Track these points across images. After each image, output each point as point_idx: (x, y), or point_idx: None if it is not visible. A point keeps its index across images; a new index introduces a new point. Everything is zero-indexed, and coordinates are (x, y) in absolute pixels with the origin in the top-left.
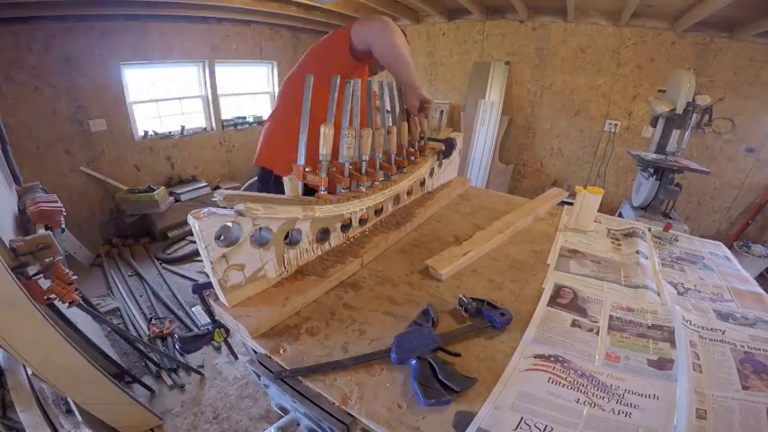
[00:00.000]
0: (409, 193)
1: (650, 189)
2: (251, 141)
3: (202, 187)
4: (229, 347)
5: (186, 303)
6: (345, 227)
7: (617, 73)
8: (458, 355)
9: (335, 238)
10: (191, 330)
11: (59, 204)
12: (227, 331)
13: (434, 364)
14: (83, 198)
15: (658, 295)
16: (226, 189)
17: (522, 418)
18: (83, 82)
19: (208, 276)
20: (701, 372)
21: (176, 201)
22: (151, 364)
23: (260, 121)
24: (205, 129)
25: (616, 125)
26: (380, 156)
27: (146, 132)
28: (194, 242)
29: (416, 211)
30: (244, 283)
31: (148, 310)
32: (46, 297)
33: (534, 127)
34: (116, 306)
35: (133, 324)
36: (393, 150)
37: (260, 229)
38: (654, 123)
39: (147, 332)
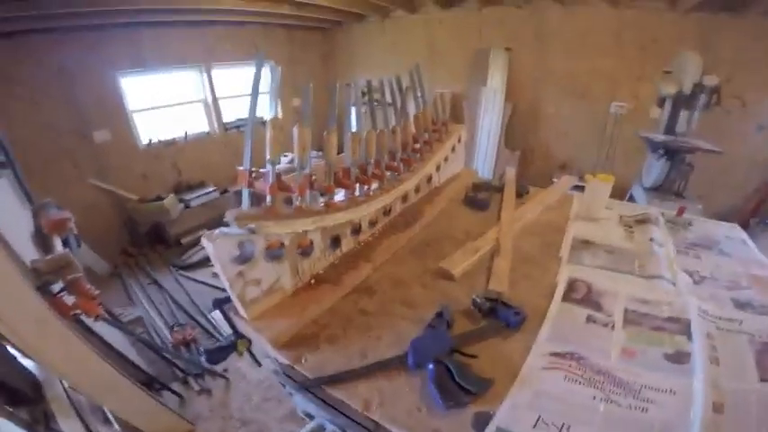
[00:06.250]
0: (417, 191)
1: (661, 170)
2: (255, 142)
3: (211, 192)
4: (252, 356)
5: (205, 308)
6: (356, 231)
7: (620, 54)
8: (474, 356)
9: (347, 244)
10: (212, 336)
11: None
12: (250, 341)
13: (451, 367)
14: (95, 210)
15: (674, 285)
16: (234, 191)
17: (539, 416)
18: (80, 93)
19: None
20: (718, 364)
21: (186, 207)
22: (177, 371)
23: (261, 122)
24: (208, 133)
25: (622, 106)
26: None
27: (150, 140)
28: None
29: (425, 209)
30: (261, 297)
31: (169, 317)
32: (72, 313)
33: (539, 112)
34: (139, 315)
35: (156, 332)
36: (398, 150)
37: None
38: (661, 104)
39: (171, 339)
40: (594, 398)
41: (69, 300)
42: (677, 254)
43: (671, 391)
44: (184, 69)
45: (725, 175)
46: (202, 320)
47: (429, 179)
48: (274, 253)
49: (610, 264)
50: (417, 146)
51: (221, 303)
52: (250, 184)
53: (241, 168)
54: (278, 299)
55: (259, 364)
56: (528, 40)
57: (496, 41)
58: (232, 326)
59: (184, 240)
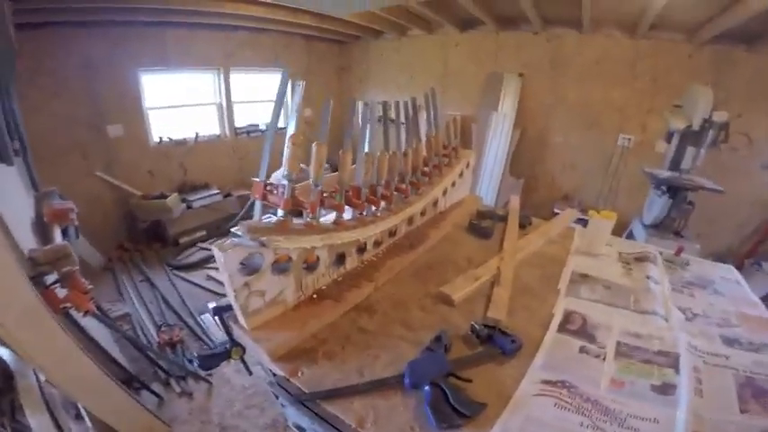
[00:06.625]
0: (423, 214)
1: (662, 207)
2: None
3: (215, 194)
4: (243, 363)
5: (196, 311)
6: (361, 250)
7: (632, 85)
8: (469, 380)
9: (351, 262)
10: (200, 339)
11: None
12: (244, 350)
13: (446, 390)
14: (97, 202)
15: (666, 321)
16: (237, 196)
17: None
18: (101, 87)
19: (216, 280)
20: (701, 396)
21: (188, 207)
22: (160, 371)
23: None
24: (219, 136)
25: (629, 139)
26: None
27: (161, 138)
28: (205, 249)
29: (429, 233)
30: (264, 308)
31: (158, 316)
32: (62, 306)
33: (547, 140)
34: (127, 312)
35: (143, 330)
36: (408, 172)
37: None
38: (668, 139)
39: (157, 339)
40: (582, 425)
41: (62, 293)
42: (672, 291)
43: (655, 420)
44: (204, 71)
45: (725, 214)
46: (191, 322)
47: (435, 203)
48: (281, 267)
49: (606, 298)
50: (427, 169)
51: (221, 311)
52: (264, 197)
53: (257, 180)
54: (279, 311)
55: (250, 373)
56: (542, 66)
57: (511, 66)
58: (229, 333)
59: (182, 240)
